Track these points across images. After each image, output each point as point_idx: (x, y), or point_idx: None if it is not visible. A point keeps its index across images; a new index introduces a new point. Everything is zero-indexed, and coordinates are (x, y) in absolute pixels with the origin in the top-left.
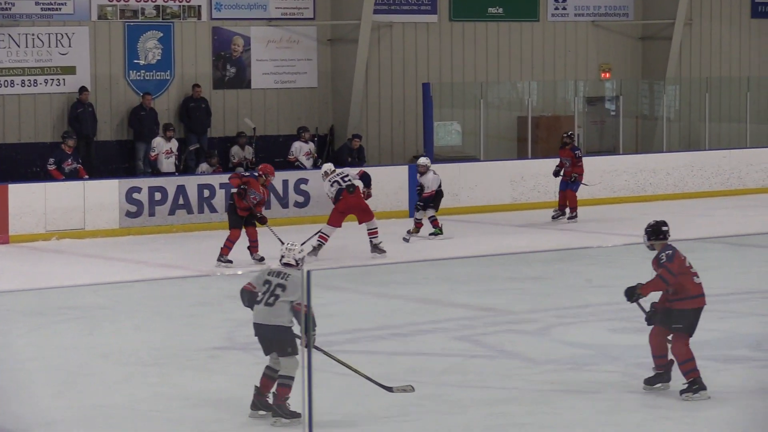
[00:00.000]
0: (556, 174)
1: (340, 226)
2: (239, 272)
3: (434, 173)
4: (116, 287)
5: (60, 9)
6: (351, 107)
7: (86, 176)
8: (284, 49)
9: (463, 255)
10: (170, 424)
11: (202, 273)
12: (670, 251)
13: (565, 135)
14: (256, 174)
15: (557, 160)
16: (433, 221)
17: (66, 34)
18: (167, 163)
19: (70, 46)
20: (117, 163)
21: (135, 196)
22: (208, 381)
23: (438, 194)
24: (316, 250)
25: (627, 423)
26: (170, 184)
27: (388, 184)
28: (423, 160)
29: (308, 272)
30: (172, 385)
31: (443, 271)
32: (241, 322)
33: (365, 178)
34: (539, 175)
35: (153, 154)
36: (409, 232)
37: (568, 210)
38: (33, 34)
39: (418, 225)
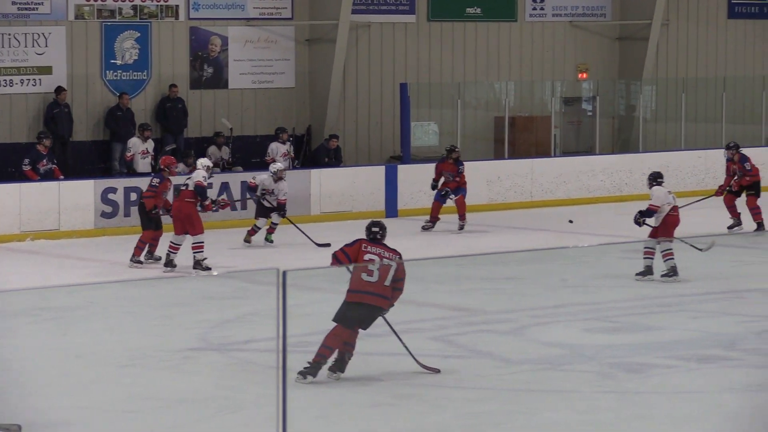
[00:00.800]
0: (434, 188)
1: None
2: (215, 273)
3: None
4: (91, 288)
5: (37, 9)
6: (328, 107)
7: (61, 177)
8: (262, 49)
9: (437, 255)
10: (144, 424)
11: (177, 274)
12: None
13: (449, 147)
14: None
15: (534, 160)
16: (271, 228)
17: (43, 33)
18: (143, 164)
19: (46, 45)
20: (93, 163)
21: (110, 196)
22: (182, 382)
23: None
24: (158, 260)
25: (602, 422)
26: (146, 184)
27: (365, 184)
28: (278, 166)
29: (284, 272)
30: (146, 386)
31: (417, 271)
32: (215, 324)
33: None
34: (516, 176)
35: (129, 154)
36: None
37: (457, 218)
38: (9, 34)
39: (253, 232)
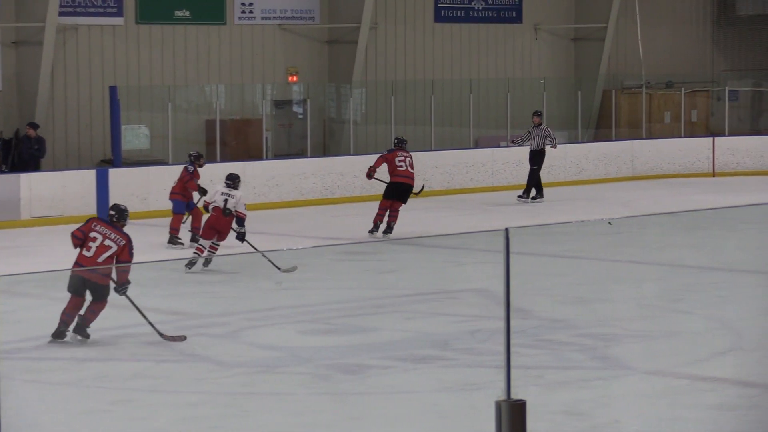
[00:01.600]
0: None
1: None
2: None
3: None
4: None
5: None
6: (37, 111)
7: None
8: None
9: (149, 260)
10: None
11: None
12: None
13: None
14: None
15: (246, 164)
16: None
17: None
18: None
19: None
20: None
21: None
22: None
23: None
24: None
25: (318, 424)
26: None
27: (76, 188)
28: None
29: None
30: None
31: (131, 275)
32: None
33: None
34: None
35: None
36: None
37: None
38: None
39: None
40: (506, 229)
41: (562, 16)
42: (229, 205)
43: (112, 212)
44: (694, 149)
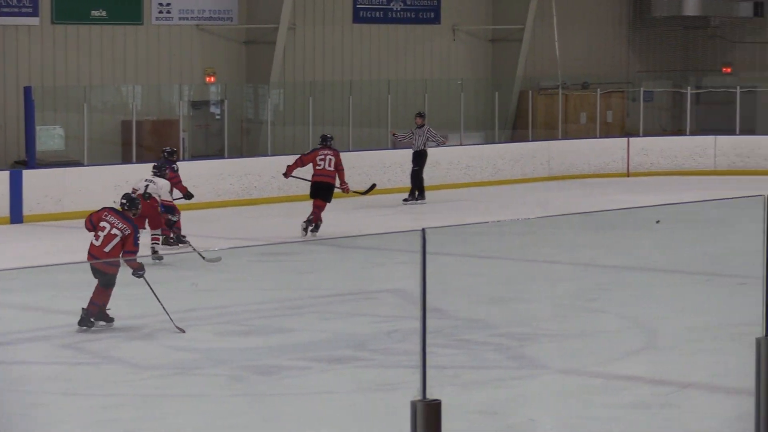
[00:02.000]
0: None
1: None
2: None
3: None
4: None
5: None
6: None
7: None
8: None
9: (66, 261)
10: None
11: None
12: None
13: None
14: None
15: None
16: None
17: None
18: None
19: None
20: None
21: None
22: None
23: None
24: None
25: (234, 426)
26: None
27: None
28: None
29: None
30: None
31: (46, 278)
32: None
33: None
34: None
35: None
36: None
37: None
38: None
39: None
40: (423, 230)
41: (479, 17)
42: (149, 190)
43: (123, 200)
44: (609, 150)
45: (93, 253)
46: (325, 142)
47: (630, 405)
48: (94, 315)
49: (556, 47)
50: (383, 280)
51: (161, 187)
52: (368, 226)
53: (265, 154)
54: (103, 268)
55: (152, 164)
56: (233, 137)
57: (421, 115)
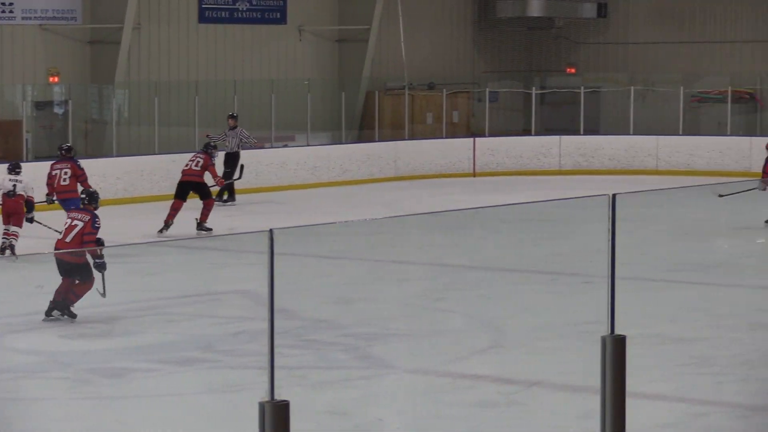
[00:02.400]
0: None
1: None
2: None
3: None
4: None
5: None
6: None
7: None
8: None
9: None
10: None
11: None
12: None
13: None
14: None
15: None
16: None
17: None
18: None
19: None
20: None
21: None
22: None
23: None
24: None
25: (81, 429)
26: None
27: None
28: None
29: None
30: None
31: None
32: None
33: None
34: None
35: None
36: None
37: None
38: None
39: None
40: (270, 230)
41: (326, 17)
42: (18, 189)
43: (83, 195)
44: (455, 150)
45: (58, 246)
46: (207, 149)
47: (477, 404)
48: (64, 306)
49: (402, 48)
50: (230, 281)
51: (27, 184)
52: (214, 227)
53: (110, 155)
54: (71, 260)
55: None
56: (77, 138)
57: (233, 116)
